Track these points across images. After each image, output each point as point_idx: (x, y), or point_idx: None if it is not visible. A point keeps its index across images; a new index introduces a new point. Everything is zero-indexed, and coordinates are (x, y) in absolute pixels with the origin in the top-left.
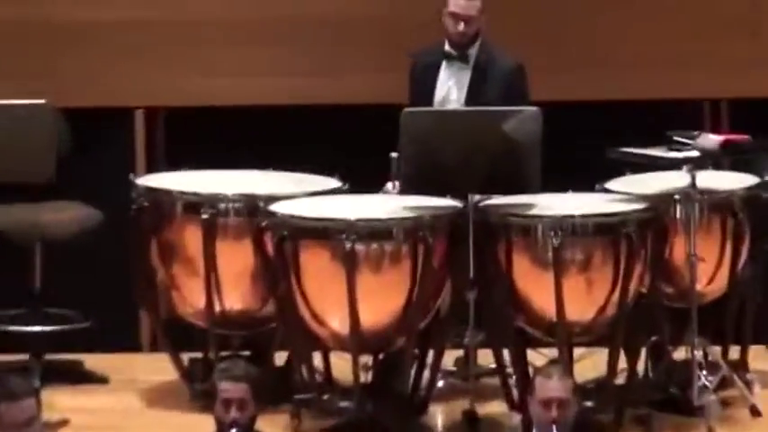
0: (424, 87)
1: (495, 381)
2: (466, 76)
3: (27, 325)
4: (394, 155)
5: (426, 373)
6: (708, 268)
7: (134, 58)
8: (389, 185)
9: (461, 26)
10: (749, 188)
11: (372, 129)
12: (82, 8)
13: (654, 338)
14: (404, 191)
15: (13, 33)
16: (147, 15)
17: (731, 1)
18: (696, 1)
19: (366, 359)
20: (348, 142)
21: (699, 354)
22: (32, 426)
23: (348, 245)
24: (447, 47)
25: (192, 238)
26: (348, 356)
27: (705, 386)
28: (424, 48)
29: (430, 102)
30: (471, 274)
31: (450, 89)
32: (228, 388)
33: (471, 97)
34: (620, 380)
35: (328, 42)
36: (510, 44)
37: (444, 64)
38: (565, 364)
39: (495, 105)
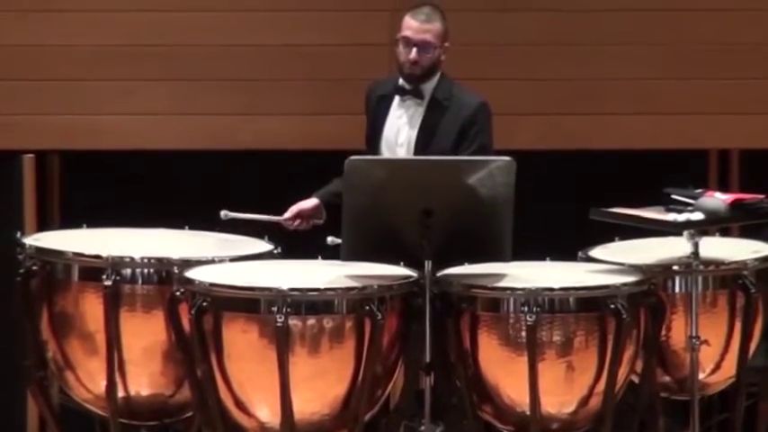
0: (375, 124)
1: None
2: (419, 115)
3: None
4: (331, 240)
5: None
6: (713, 353)
7: (22, 93)
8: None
9: (413, 53)
10: (763, 259)
11: (313, 177)
12: None
13: None
14: (347, 256)
15: None
16: (36, 42)
17: (744, 32)
18: (698, 33)
19: None
20: (282, 194)
21: None
22: None
23: (280, 319)
24: (400, 80)
25: (92, 309)
26: None
27: None
28: (386, 77)
29: (379, 143)
30: (428, 357)
31: (400, 129)
32: None
33: (423, 140)
34: None
35: (252, 79)
36: (485, 85)
37: (397, 99)
38: None
39: (450, 151)
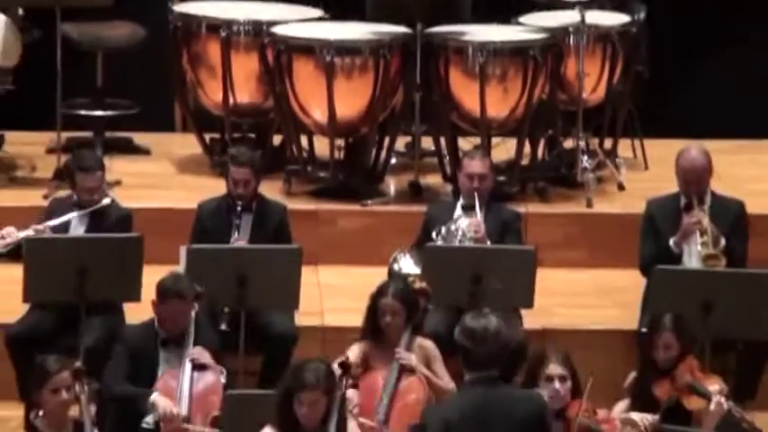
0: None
1: (434, 160)
2: None
3: (92, 110)
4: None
5: (383, 153)
6: (591, 82)
7: None
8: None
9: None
10: (624, 24)
11: None
12: None
13: (550, 132)
14: (372, 20)
15: None
16: None
17: None
18: None
19: (339, 141)
20: None
21: (582, 143)
22: (99, 192)
23: (328, 58)
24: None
25: (214, 51)
26: (326, 139)
27: (586, 167)
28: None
29: None
30: (418, 81)
31: None
32: (236, 170)
33: None
34: (525, 161)
35: None
36: None
37: None
38: (485, 149)
39: None
